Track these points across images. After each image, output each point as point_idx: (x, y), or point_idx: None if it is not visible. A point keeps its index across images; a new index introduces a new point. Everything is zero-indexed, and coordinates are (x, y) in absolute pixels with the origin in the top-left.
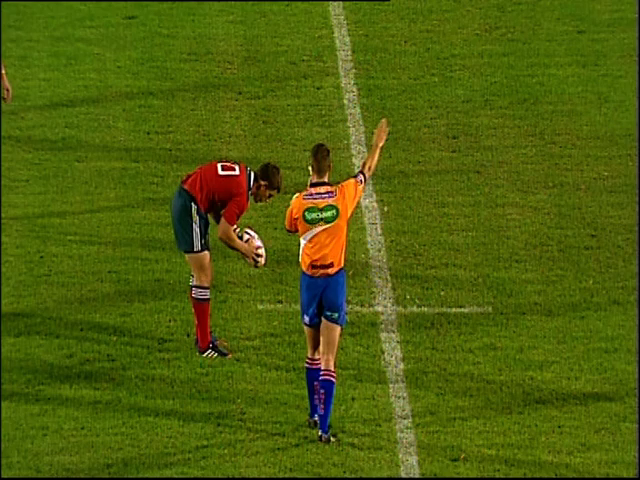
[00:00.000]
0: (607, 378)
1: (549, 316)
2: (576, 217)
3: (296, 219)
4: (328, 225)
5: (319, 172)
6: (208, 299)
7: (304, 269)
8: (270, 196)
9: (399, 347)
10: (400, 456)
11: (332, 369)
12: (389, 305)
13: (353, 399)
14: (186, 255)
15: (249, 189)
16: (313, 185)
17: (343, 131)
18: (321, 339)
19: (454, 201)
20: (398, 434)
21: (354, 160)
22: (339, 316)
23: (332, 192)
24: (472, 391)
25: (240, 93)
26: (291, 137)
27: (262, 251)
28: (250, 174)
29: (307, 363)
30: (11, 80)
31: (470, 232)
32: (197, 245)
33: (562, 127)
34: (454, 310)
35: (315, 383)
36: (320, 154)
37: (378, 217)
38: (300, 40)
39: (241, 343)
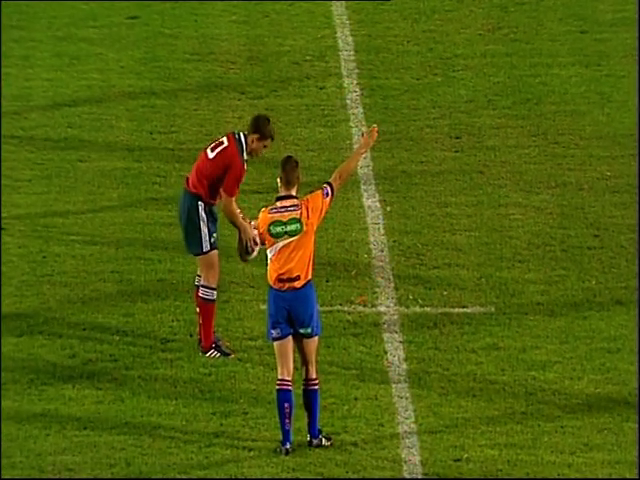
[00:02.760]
0: (610, 378)
1: (552, 316)
2: (579, 217)
3: (262, 233)
4: (293, 238)
5: (287, 184)
6: (214, 300)
7: (271, 283)
8: (265, 146)
9: (402, 347)
10: (403, 456)
11: (314, 377)
12: (392, 305)
13: (356, 399)
14: (197, 258)
15: (242, 153)
16: (279, 198)
17: (346, 131)
18: (299, 353)
19: (457, 201)
20: (401, 434)
21: None
22: (312, 329)
23: (297, 205)
24: (475, 391)
25: (243, 93)
26: (294, 137)
27: (258, 241)
28: (239, 137)
29: (277, 384)
30: (14, 80)
31: (473, 232)
32: (206, 245)
33: (565, 127)
34: (457, 310)
35: (286, 405)
36: (289, 166)
37: (381, 217)
38: (303, 40)
39: (244, 343)
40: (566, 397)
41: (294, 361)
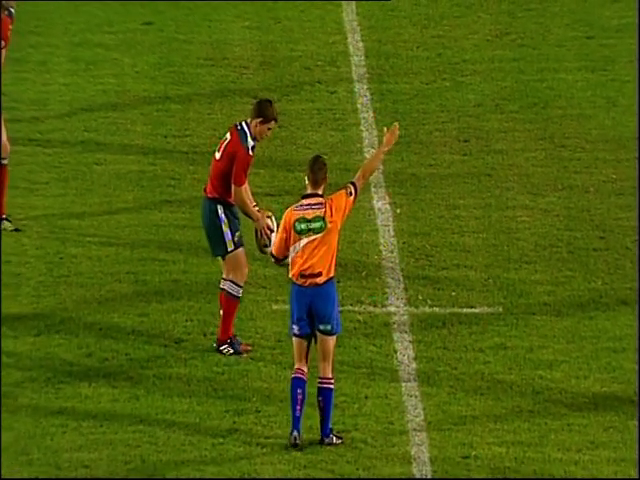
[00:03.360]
0: (615, 377)
1: (558, 316)
2: (585, 219)
3: (288, 231)
4: (317, 236)
5: (313, 183)
6: (239, 297)
7: (293, 279)
8: (269, 129)
9: (411, 346)
10: (412, 453)
11: (329, 376)
12: (401, 305)
13: (366, 397)
14: (224, 258)
15: (245, 140)
16: (305, 196)
17: (356, 134)
18: (317, 349)
19: (465, 203)
20: (410, 432)
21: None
22: (332, 327)
23: (322, 204)
24: (483, 390)
25: (255, 97)
26: (305, 140)
27: (273, 236)
28: (241, 126)
29: (293, 372)
30: (31, 85)
31: (481, 234)
32: (230, 245)
33: (571, 131)
34: (465, 310)
35: (299, 392)
36: (316, 166)
37: (391, 219)
38: (314, 45)
39: (256, 342)
40: (572, 396)
41: (311, 359)
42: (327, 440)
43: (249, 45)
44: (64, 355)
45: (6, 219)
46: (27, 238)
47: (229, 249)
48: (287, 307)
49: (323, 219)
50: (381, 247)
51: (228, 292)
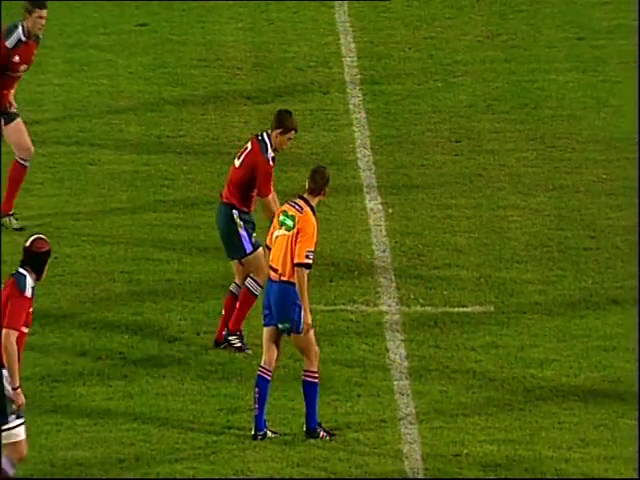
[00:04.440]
0: (606, 375)
1: (549, 315)
2: (575, 219)
3: (274, 227)
4: (286, 233)
5: (309, 191)
6: (257, 295)
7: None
8: (289, 139)
9: (403, 345)
10: (404, 451)
11: (311, 369)
12: (393, 304)
13: (359, 396)
14: (242, 261)
15: (266, 151)
16: (299, 196)
17: (349, 135)
18: None
19: (457, 203)
20: (402, 430)
21: (359, 163)
22: (285, 328)
23: (302, 210)
24: (474, 388)
25: (249, 98)
26: (299, 140)
27: None
28: (262, 137)
29: (258, 369)
30: (26, 86)
31: (472, 233)
32: (248, 247)
33: (562, 131)
34: (457, 309)
35: (256, 390)
36: (316, 175)
37: (383, 219)
38: (307, 47)
39: (250, 341)
40: (563, 394)
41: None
42: (314, 434)
43: (242, 46)
44: (58, 354)
45: (13, 216)
46: (22, 237)
47: (247, 251)
48: None
49: (296, 220)
50: (373, 247)
51: (249, 289)
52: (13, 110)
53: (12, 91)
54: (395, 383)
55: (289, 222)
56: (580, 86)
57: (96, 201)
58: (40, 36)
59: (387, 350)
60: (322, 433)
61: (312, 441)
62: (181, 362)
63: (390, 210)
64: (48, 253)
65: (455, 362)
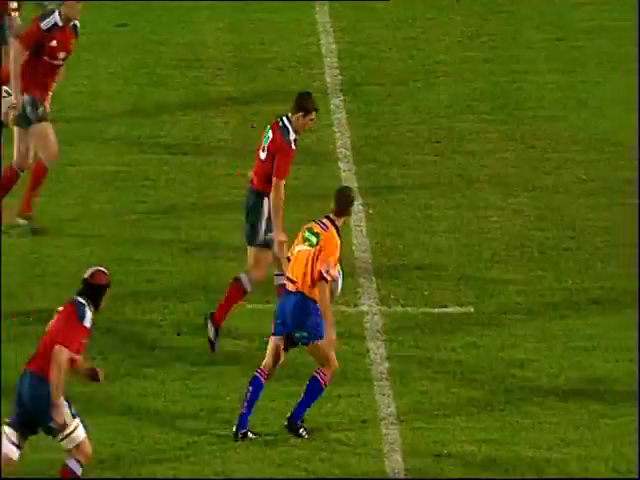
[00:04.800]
0: (586, 376)
1: (529, 315)
2: (555, 219)
3: (297, 242)
4: (309, 248)
5: (334, 212)
6: (247, 291)
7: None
8: (312, 120)
9: (384, 346)
10: (385, 451)
11: (325, 372)
12: (374, 305)
13: (339, 396)
14: (248, 249)
15: (288, 135)
16: (326, 216)
17: (329, 135)
18: None
19: (437, 204)
20: (383, 430)
21: (340, 164)
22: (303, 337)
23: (327, 229)
24: (455, 388)
25: (229, 99)
26: None
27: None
28: (282, 122)
29: (256, 370)
30: None
31: (453, 234)
32: (259, 239)
33: (542, 132)
34: (437, 310)
35: (248, 388)
36: (340, 195)
37: (363, 219)
38: (288, 47)
39: (231, 342)
40: (544, 394)
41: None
42: (294, 429)
43: (223, 47)
44: None
45: (29, 218)
46: (21, 238)
47: (257, 242)
48: (261, 307)
49: (320, 238)
50: (354, 247)
51: (242, 282)
52: (47, 111)
53: (50, 93)
54: (376, 383)
55: (313, 239)
56: (560, 87)
57: (76, 202)
58: (77, 25)
59: (368, 351)
60: (303, 431)
61: (293, 441)
62: (162, 363)
63: (370, 211)
64: (107, 286)
65: (435, 362)
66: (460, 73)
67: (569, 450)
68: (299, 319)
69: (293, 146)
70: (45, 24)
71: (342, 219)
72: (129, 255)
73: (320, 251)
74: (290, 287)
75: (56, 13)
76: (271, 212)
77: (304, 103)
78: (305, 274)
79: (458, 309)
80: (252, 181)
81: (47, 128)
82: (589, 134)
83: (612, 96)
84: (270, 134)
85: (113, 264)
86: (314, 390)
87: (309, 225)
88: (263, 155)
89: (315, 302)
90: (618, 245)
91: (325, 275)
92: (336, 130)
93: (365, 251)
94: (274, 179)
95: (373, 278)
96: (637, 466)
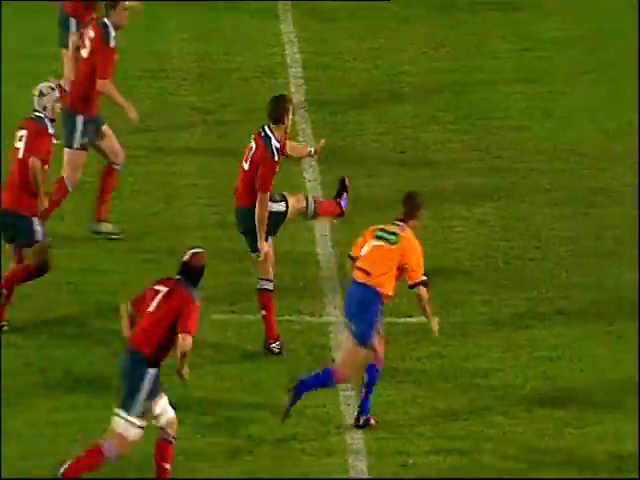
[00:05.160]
0: (551, 385)
1: (494, 325)
2: (520, 229)
3: (366, 237)
4: (388, 245)
5: (404, 216)
6: (272, 291)
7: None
8: (290, 118)
9: None
10: (350, 461)
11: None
12: (339, 315)
13: (305, 407)
14: (253, 255)
15: (270, 145)
16: (397, 218)
17: None
18: None
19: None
20: (348, 440)
21: (305, 174)
22: (355, 329)
23: (404, 229)
24: (419, 398)
25: (194, 108)
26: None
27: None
28: (264, 131)
29: None
30: None
31: None
32: (261, 245)
33: (507, 142)
34: (402, 319)
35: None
36: (409, 201)
37: (328, 229)
38: (252, 57)
39: (196, 352)
40: (508, 404)
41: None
42: (362, 418)
43: (187, 57)
44: (4, 365)
45: (105, 221)
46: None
47: (259, 248)
48: (226, 317)
49: (400, 236)
50: (319, 257)
51: (266, 289)
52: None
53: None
54: (341, 393)
55: (391, 237)
56: (526, 97)
57: None
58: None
59: (333, 361)
60: (363, 420)
61: (257, 451)
62: None
63: (335, 221)
64: (204, 267)
65: (400, 372)
66: (425, 83)
67: (534, 459)
68: (360, 310)
69: (276, 157)
70: (112, 43)
71: (412, 222)
72: (93, 265)
73: (408, 252)
74: (360, 276)
75: (110, 27)
76: (256, 222)
77: (279, 109)
78: (379, 267)
79: (423, 319)
80: (237, 198)
81: (84, 157)
82: (554, 144)
83: (578, 106)
84: (253, 145)
85: (77, 274)
86: (372, 379)
87: (380, 226)
88: (246, 165)
89: (381, 300)
90: (583, 255)
91: (424, 278)
92: (301, 140)
93: (330, 261)
94: (259, 193)
95: (338, 288)
96: (637, 466)
